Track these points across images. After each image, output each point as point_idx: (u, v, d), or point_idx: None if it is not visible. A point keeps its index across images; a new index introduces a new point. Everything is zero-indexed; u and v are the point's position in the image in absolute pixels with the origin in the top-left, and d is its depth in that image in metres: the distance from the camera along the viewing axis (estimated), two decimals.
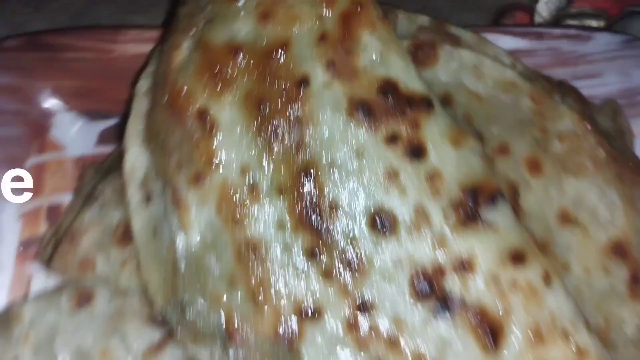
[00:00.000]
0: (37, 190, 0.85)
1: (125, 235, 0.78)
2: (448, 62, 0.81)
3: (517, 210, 0.77)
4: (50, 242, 0.82)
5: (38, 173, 0.86)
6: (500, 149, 0.79)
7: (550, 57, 0.89)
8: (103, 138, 0.91)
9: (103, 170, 0.82)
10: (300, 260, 0.70)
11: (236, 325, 0.70)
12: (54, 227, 0.83)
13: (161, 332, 0.81)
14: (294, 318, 0.69)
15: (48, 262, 0.80)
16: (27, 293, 0.82)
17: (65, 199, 0.86)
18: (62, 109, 0.90)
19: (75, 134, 0.90)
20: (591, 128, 0.79)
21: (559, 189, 0.79)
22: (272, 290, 0.69)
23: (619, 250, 0.78)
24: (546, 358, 0.68)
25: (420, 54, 0.79)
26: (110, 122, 0.90)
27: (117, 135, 0.83)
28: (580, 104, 0.81)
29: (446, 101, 0.80)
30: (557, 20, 0.99)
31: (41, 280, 0.82)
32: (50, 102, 0.89)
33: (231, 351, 0.70)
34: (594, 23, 0.99)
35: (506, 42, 0.87)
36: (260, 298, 0.69)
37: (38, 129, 0.88)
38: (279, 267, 0.69)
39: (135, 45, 0.86)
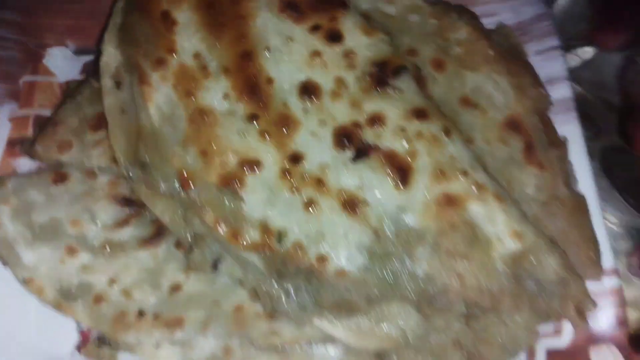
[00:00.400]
0: (27, 102, 1.01)
1: (98, 123, 0.93)
2: None
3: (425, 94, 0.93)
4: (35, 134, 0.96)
5: (29, 89, 1.03)
6: (410, 52, 0.96)
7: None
8: (86, 69, 1.07)
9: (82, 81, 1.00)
10: (242, 123, 0.84)
11: (187, 176, 0.82)
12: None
13: (126, 211, 0.93)
14: (237, 169, 0.82)
15: (31, 148, 0.94)
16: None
17: (50, 113, 1.00)
18: (55, 42, 1.07)
19: (63, 64, 1.07)
20: (482, 36, 0.98)
21: (460, 81, 0.95)
22: (218, 148, 0.83)
23: (513, 125, 0.93)
24: (450, 190, 0.81)
25: None
26: (93, 56, 1.05)
27: (95, 64, 0.99)
28: (473, 20, 0.99)
29: (365, 19, 0.98)
30: None
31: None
32: (46, 37, 1.06)
33: (183, 196, 0.83)
34: None
35: None
36: (208, 154, 0.83)
37: (33, 56, 1.05)
38: (224, 129, 0.84)
39: None
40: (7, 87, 1.03)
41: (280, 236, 0.80)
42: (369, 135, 0.83)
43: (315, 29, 0.88)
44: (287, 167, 0.82)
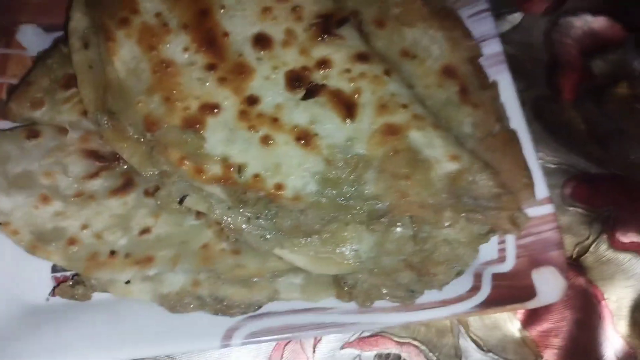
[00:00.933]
0: (0, 72, 1.07)
1: (68, 83, 0.99)
2: None
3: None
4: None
5: (2, 61, 1.08)
6: (353, 14, 1.04)
7: None
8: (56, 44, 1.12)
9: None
10: (201, 72, 0.91)
11: (152, 120, 0.89)
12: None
13: (96, 164, 0.99)
14: (198, 112, 0.89)
15: (5, 107, 0.99)
16: None
17: None
18: (26, 20, 1.12)
19: (35, 39, 1.12)
20: None
21: (400, 36, 1.05)
22: (180, 94, 0.90)
23: (449, 71, 1.03)
24: (392, 121, 0.90)
25: None
26: (61, 33, 1.12)
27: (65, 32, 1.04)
28: None
29: None
30: None
31: None
32: (18, 15, 1.11)
33: (149, 137, 0.89)
34: None
35: None
36: (171, 100, 0.90)
37: (6, 32, 1.10)
38: (185, 77, 0.91)
39: None
40: None
41: (240, 169, 0.87)
42: (317, 76, 0.92)
43: None
44: (245, 108, 0.90)
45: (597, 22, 1.26)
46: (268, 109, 0.90)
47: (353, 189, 0.88)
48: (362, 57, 0.94)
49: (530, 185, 0.96)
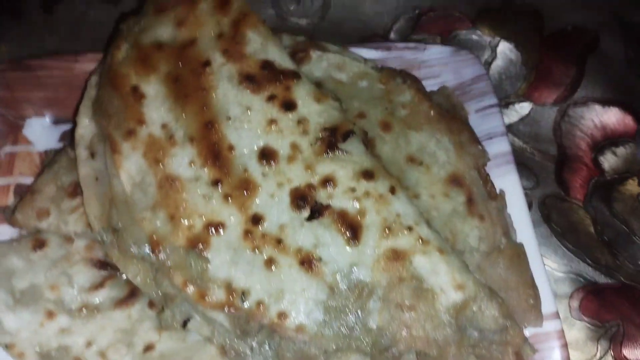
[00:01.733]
0: (7, 172, 1.06)
1: (74, 191, 0.99)
2: (319, 62, 1.09)
3: (373, 154, 1.01)
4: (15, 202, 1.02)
5: (10, 160, 1.08)
6: (359, 115, 1.04)
7: (398, 64, 1.16)
8: (64, 137, 1.12)
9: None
10: (206, 187, 0.90)
11: (157, 239, 0.89)
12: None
13: (102, 273, 0.99)
14: (202, 231, 0.88)
15: (12, 216, 0.99)
16: None
17: (30, 180, 1.06)
18: (33, 114, 1.12)
19: (42, 133, 1.12)
20: (425, 98, 1.07)
21: (406, 141, 1.04)
22: (185, 211, 0.89)
23: (455, 180, 1.02)
24: (397, 246, 0.89)
25: (298, 55, 1.08)
26: (70, 126, 1.11)
27: (72, 135, 1.04)
28: (416, 83, 1.08)
29: (318, 86, 1.05)
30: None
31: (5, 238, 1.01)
32: (25, 108, 1.11)
33: (153, 259, 0.89)
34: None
35: (364, 53, 1.15)
36: (175, 218, 0.89)
37: (13, 128, 1.10)
38: (190, 194, 0.90)
39: (91, 64, 1.10)
40: None
41: (243, 295, 0.86)
42: (322, 195, 0.90)
43: (271, 98, 0.95)
44: (249, 228, 0.89)
45: (607, 114, 1.25)
46: (272, 229, 0.89)
47: (357, 318, 0.86)
48: (367, 175, 0.92)
49: (536, 307, 0.95)
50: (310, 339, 0.85)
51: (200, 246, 0.88)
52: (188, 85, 0.96)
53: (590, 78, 1.29)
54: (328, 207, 0.90)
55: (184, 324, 0.89)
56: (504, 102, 1.25)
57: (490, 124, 1.12)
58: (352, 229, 0.89)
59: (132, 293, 0.97)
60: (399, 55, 1.17)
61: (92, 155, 0.97)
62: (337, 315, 0.86)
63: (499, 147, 1.10)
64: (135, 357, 0.92)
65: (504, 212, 1.01)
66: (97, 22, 1.34)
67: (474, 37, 1.32)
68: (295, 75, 0.98)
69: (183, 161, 0.92)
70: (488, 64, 1.29)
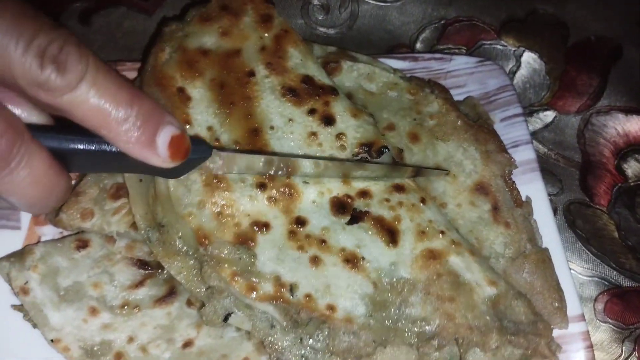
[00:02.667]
0: None
1: (116, 193, 1.02)
2: (349, 72, 1.12)
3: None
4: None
5: None
6: (389, 127, 1.08)
7: (425, 74, 1.20)
8: None
9: None
10: (251, 189, 0.92)
11: (204, 234, 0.90)
12: None
13: (142, 272, 1.03)
14: (249, 229, 0.90)
15: (56, 217, 1.03)
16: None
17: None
18: None
19: None
20: (452, 108, 1.10)
21: (434, 151, 1.07)
22: (232, 210, 0.91)
23: (481, 189, 1.05)
24: (432, 247, 0.93)
25: (329, 66, 1.11)
26: None
27: None
28: (443, 93, 1.11)
29: (349, 97, 1.09)
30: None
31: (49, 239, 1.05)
32: None
33: (201, 253, 0.90)
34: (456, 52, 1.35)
35: (392, 63, 1.18)
36: (222, 215, 0.91)
37: None
38: (236, 194, 0.92)
39: (130, 72, 1.14)
40: None
41: (292, 288, 0.89)
42: (359, 204, 0.94)
43: (311, 112, 0.99)
44: (293, 229, 0.92)
45: (630, 122, 1.26)
46: (315, 231, 0.92)
47: (400, 311, 0.90)
48: (398, 188, 0.96)
49: (561, 309, 0.97)
50: (359, 329, 0.88)
51: (249, 242, 0.90)
52: (234, 93, 1.00)
53: (613, 87, 1.31)
54: (367, 213, 0.94)
55: (225, 318, 0.92)
56: (528, 110, 1.27)
57: (516, 132, 1.15)
58: (390, 232, 0.93)
59: (172, 291, 1.01)
60: (426, 66, 1.20)
61: None
62: (381, 308, 0.90)
63: (524, 155, 1.12)
64: (174, 352, 0.96)
65: (530, 219, 1.04)
66: (132, 31, 1.38)
67: (499, 47, 1.34)
68: (333, 91, 1.03)
69: None
70: (512, 74, 1.31)
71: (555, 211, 1.17)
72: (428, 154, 1.07)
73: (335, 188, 0.96)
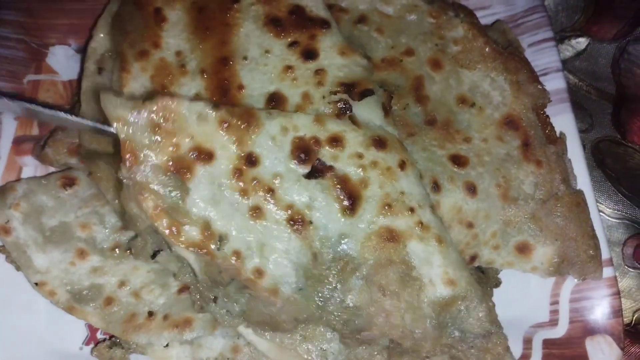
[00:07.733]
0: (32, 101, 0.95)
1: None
2: None
3: (419, 99, 0.88)
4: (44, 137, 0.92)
5: (34, 89, 0.97)
6: (407, 52, 0.90)
7: None
8: None
9: None
10: (204, 107, 0.74)
11: (131, 148, 0.72)
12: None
13: None
14: (187, 156, 0.73)
15: (41, 152, 0.89)
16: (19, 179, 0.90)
17: None
18: (57, 41, 1.00)
19: (66, 62, 1.00)
20: (479, 33, 0.93)
21: (457, 80, 0.90)
22: (174, 126, 0.73)
23: (511, 123, 0.88)
24: (394, 226, 0.75)
25: None
26: None
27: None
28: (469, 17, 0.93)
29: (362, 20, 0.92)
30: None
31: (30, 170, 0.92)
32: (49, 36, 0.99)
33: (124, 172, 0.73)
34: None
35: None
36: (161, 129, 0.73)
37: (36, 55, 0.98)
38: (183, 106, 0.74)
39: None
40: (13, 86, 0.96)
41: (220, 240, 0.73)
42: (326, 154, 0.76)
43: (293, 44, 0.83)
44: (240, 166, 0.74)
45: None
46: (265, 176, 0.74)
47: (335, 292, 0.74)
48: (378, 143, 0.78)
49: (596, 258, 0.84)
50: (283, 304, 0.74)
51: (183, 171, 0.72)
52: (212, 18, 0.85)
53: None
54: (331, 168, 0.75)
55: (153, 255, 0.78)
56: (559, 37, 1.09)
57: (545, 59, 0.98)
58: (351, 198, 0.75)
59: None
60: None
61: (100, 70, 0.89)
62: (314, 284, 0.74)
63: (553, 84, 0.95)
64: (169, 297, 0.84)
65: (564, 157, 0.88)
66: None
67: None
68: (324, 24, 0.85)
69: (189, 92, 0.81)
70: None
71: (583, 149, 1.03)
72: (451, 83, 0.90)
73: (303, 126, 0.77)
